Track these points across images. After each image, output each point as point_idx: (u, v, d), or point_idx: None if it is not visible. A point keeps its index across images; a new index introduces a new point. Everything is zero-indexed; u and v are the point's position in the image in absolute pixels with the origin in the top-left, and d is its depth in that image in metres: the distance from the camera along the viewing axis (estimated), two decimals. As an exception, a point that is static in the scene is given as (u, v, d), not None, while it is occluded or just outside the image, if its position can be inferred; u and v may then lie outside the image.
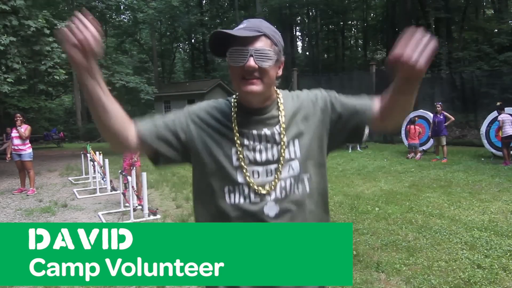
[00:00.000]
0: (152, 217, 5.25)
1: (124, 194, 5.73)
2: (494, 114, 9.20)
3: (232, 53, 1.04)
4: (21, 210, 6.01)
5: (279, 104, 1.16)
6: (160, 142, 1.13)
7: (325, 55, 32.34)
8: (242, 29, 1.06)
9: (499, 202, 5.42)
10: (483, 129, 9.64)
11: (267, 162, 1.11)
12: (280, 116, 1.14)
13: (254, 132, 1.13)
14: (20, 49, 9.82)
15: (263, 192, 1.09)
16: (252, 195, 1.09)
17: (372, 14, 30.77)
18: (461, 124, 13.92)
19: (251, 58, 1.02)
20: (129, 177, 5.41)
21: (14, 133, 7.07)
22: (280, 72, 1.13)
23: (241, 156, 1.10)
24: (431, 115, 10.06)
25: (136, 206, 5.44)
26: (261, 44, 1.04)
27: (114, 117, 1.05)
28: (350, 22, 31.47)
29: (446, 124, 9.46)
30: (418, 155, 9.98)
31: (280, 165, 1.11)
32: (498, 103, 8.83)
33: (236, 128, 1.13)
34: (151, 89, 17.12)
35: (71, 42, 0.92)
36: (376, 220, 4.75)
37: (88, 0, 19.75)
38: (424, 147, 10.62)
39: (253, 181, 1.09)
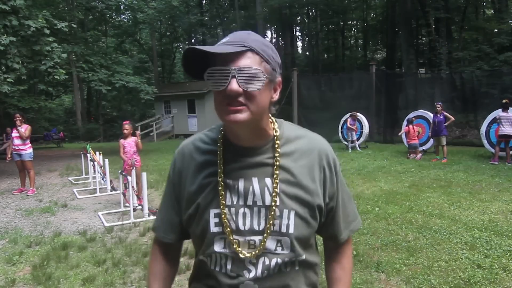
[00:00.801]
0: (152, 217, 5.25)
1: (124, 194, 5.73)
2: (494, 114, 9.22)
3: (211, 75, 0.84)
4: (21, 210, 6.02)
5: (276, 146, 0.93)
6: (182, 230, 1.04)
7: (325, 55, 32.31)
8: (223, 44, 0.85)
9: (499, 202, 5.42)
10: (483, 129, 9.66)
11: (251, 232, 0.91)
12: (274, 166, 0.92)
13: (241, 185, 0.92)
14: (20, 49, 9.80)
15: (246, 257, 0.90)
16: (228, 267, 0.92)
17: (372, 14, 30.76)
18: (461, 124, 13.92)
19: (234, 80, 0.81)
20: (129, 177, 5.41)
21: (15, 133, 7.07)
22: (275, 97, 0.91)
23: (224, 220, 0.90)
24: (431, 115, 10.07)
25: (136, 206, 5.45)
26: (247, 62, 0.83)
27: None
28: (350, 22, 31.44)
29: (446, 124, 9.46)
30: (419, 155, 9.97)
31: (264, 238, 0.90)
32: (505, 101, 8.78)
33: (222, 176, 0.92)
34: (151, 89, 17.10)
35: None
36: (376, 220, 4.75)
37: (88, 0, 19.75)
38: (424, 147, 10.62)
39: (230, 252, 0.91)
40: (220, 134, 0.96)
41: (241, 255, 0.90)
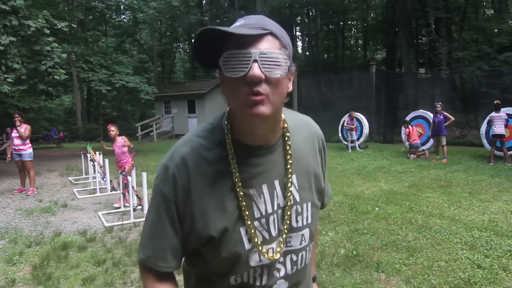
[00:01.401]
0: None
1: (124, 194, 5.72)
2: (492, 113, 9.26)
3: (228, 59, 0.74)
4: (21, 210, 6.01)
5: (286, 142, 0.88)
6: (183, 254, 0.91)
7: (325, 55, 32.31)
8: (240, 26, 0.77)
9: (499, 202, 5.42)
10: (483, 129, 9.66)
11: (280, 234, 0.87)
12: (288, 163, 0.87)
13: (265, 191, 0.85)
14: (20, 49, 9.80)
15: (276, 259, 0.87)
16: (264, 277, 0.88)
17: (372, 14, 30.76)
18: (461, 124, 13.93)
19: (255, 65, 0.73)
20: (129, 177, 5.41)
21: (14, 133, 7.08)
22: (290, 87, 0.82)
23: (253, 233, 0.83)
24: (431, 115, 10.08)
25: (136, 206, 5.44)
26: (268, 46, 0.75)
27: None
28: (350, 22, 31.45)
29: (446, 124, 9.47)
30: (427, 153, 10.09)
31: (291, 235, 0.89)
32: (496, 102, 8.96)
33: (242, 191, 0.83)
34: (151, 89, 17.09)
35: None
36: (376, 220, 4.75)
37: (88, 0, 19.75)
38: (424, 147, 10.63)
39: (265, 262, 0.87)
40: (226, 135, 0.84)
41: (271, 258, 0.86)
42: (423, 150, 10.43)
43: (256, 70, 0.73)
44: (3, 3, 9.13)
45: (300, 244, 0.91)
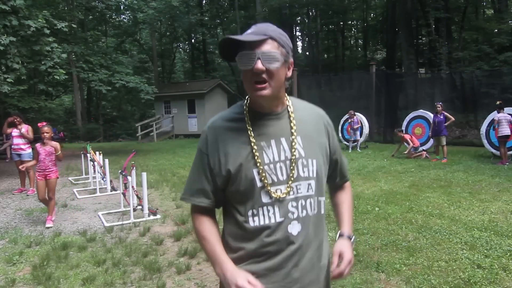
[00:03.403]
0: (152, 217, 5.26)
1: (124, 194, 5.72)
2: (494, 114, 9.23)
3: (241, 57, 1.09)
4: (21, 210, 6.02)
5: (290, 113, 1.20)
6: (214, 196, 1.21)
7: (325, 55, 32.28)
8: (249, 34, 1.10)
9: (499, 202, 5.42)
10: (483, 129, 9.66)
11: (289, 180, 1.14)
12: (292, 129, 1.17)
13: (273, 145, 1.14)
14: (20, 49, 9.79)
15: (287, 198, 1.13)
16: (277, 215, 1.13)
17: (372, 14, 30.75)
18: (461, 124, 13.93)
19: (259, 61, 1.06)
20: (129, 177, 5.40)
21: (15, 133, 7.07)
22: (289, 73, 1.17)
23: (263, 174, 1.12)
24: (431, 115, 10.08)
25: (136, 206, 5.44)
26: (268, 47, 1.07)
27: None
28: (350, 22, 31.43)
29: (446, 124, 9.47)
30: (424, 154, 10.10)
31: (300, 182, 1.15)
32: (498, 102, 8.90)
33: (254, 141, 1.13)
34: (151, 89, 17.07)
35: None
36: (376, 220, 4.75)
37: (88, 0, 19.74)
38: (424, 147, 10.63)
39: (275, 200, 1.12)
40: (245, 106, 1.19)
41: (281, 195, 1.12)
42: (423, 150, 10.44)
43: (259, 64, 1.06)
44: (3, 3, 9.12)
45: (307, 191, 1.17)
